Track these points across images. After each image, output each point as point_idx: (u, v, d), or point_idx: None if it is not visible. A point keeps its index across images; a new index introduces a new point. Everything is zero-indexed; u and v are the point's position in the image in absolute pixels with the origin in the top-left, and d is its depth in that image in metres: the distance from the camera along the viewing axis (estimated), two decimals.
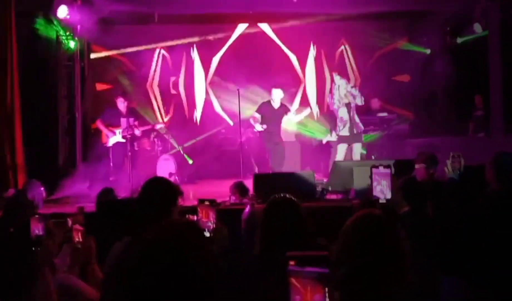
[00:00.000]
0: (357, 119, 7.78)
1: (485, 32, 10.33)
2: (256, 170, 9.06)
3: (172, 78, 11.38)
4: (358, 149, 7.72)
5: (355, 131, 7.70)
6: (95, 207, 5.67)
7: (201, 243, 1.40)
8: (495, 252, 2.62)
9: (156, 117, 10.91)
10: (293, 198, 2.53)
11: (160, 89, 11.39)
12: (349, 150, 7.77)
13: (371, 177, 2.47)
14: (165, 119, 9.96)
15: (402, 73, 11.87)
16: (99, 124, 8.35)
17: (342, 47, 11.96)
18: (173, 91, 11.37)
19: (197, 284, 1.31)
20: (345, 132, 7.66)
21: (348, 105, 7.64)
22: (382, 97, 10.57)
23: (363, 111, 10.84)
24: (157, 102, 11.37)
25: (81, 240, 2.96)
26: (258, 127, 8.06)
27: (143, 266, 1.32)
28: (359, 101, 7.68)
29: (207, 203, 2.32)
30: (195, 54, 11.38)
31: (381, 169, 2.44)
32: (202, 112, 11.42)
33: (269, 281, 1.90)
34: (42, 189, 5.72)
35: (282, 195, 2.51)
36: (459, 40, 11.03)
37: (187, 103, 11.45)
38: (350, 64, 11.98)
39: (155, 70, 11.38)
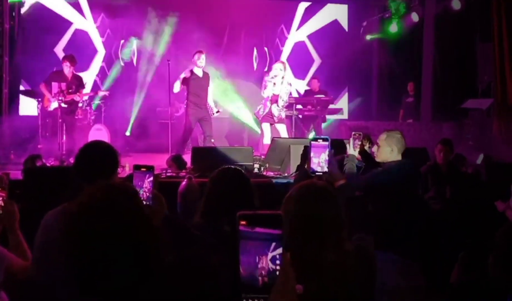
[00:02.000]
0: (282, 109, 7.58)
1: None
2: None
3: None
4: (282, 130, 7.62)
5: (276, 115, 7.51)
6: (21, 174, 5.38)
7: (140, 205, 1.35)
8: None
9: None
10: (242, 170, 2.52)
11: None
12: (275, 130, 7.65)
13: (309, 150, 2.50)
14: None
15: (338, 56, 12.07)
16: (42, 87, 7.93)
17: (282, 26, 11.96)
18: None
19: (139, 249, 1.27)
20: (264, 114, 7.52)
21: (274, 97, 7.39)
22: (319, 79, 10.73)
23: (304, 92, 11.03)
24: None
25: (2, 204, 2.77)
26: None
27: (82, 232, 1.26)
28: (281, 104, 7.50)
29: (143, 169, 2.21)
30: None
31: (320, 141, 2.48)
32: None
33: (209, 248, 1.88)
34: None
35: (231, 166, 2.50)
36: (396, 28, 11.36)
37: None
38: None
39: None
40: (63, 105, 7.67)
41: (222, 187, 2.37)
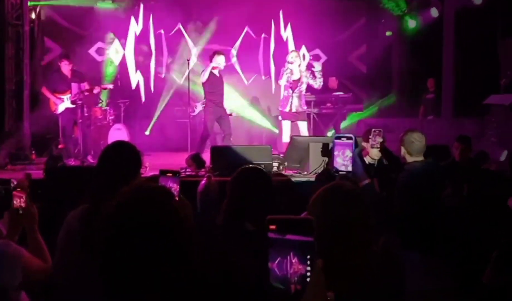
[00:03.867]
0: (302, 97, 7.59)
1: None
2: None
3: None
4: (303, 127, 7.58)
5: (297, 110, 7.52)
6: (43, 174, 5.44)
7: (175, 206, 1.34)
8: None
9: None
10: (264, 169, 2.49)
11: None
12: (296, 127, 7.62)
13: (333, 148, 2.43)
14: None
15: (359, 54, 11.97)
16: (45, 91, 7.80)
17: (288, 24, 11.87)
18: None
19: (173, 249, 1.27)
20: (287, 108, 7.51)
21: (295, 82, 7.44)
22: (339, 77, 10.66)
23: (321, 90, 10.95)
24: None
25: (23, 205, 2.79)
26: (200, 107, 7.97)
27: (116, 231, 1.26)
28: (314, 82, 7.47)
29: (169, 174, 2.20)
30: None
31: (344, 140, 2.40)
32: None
33: (234, 250, 1.86)
34: None
35: (253, 165, 2.46)
36: (415, 23, 11.22)
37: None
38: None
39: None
40: (73, 105, 7.65)
41: (244, 187, 2.34)
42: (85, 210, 2.28)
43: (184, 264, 1.29)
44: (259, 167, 2.50)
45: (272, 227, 1.14)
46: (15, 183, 3.15)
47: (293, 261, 1.13)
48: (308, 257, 1.14)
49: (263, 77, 11.53)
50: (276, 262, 1.14)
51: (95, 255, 1.27)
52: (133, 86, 10.88)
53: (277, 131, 9.99)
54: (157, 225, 1.27)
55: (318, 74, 7.38)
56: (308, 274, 1.14)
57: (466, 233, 3.19)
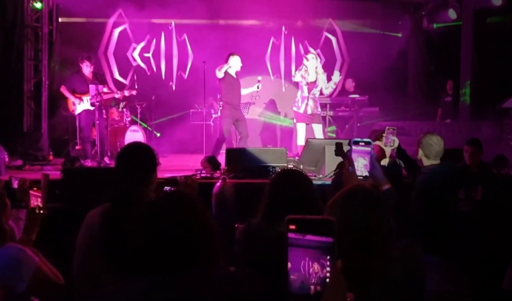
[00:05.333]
0: (317, 100, 7.58)
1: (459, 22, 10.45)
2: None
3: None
4: (318, 130, 7.56)
5: (312, 112, 7.50)
6: (60, 174, 5.50)
7: (203, 211, 1.43)
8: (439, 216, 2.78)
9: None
10: (303, 172, 2.49)
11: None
12: (310, 130, 7.61)
13: (350, 153, 2.39)
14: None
15: (375, 56, 11.89)
16: (64, 91, 7.87)
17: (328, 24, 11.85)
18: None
19: (200, 252, 1.37)
20: (301, 110, 7.48)
21: (311, 84, 7.43)
22: (355, 79, 10.61)
23: (338, 92, 10.91)
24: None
25: (40, 205, 2.83)
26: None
27: (148, 233, 1.38)
28: (325, 88, 7.45)
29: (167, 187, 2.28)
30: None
31: (361, 144, 2.35)
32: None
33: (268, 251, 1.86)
34: (5, 154, 5.53)
35: (293, 168, 2.47)
36: (435, 25, 11.12)
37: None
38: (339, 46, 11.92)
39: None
40: (92, 107, 7.72)
41: (283, 189, 2.33)
42: (106, 209, 2.31)
43: (209, 265, 1.34)
44: (298, 169, 2.49)
45: (292, 226, 1.14)
46: (16, 183, 3.19)
47: (313, 261, 1.13)
48: (328, 257, 1.13)
49: (272, 78, 11.52)
50: (296, 262, 1.14)
51: (115, 255, 1.34)
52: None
53: (290, 126, 9.96)
54: (183, 227, 1.38)
55: (332, 84, 7.41)
56: (328, 275, 1.14)
57: (480, 238, 3.16)
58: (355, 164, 2.34)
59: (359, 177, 2.32)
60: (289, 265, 1.14)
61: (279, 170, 2.47)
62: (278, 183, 2.38)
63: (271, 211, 2.27)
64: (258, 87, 7.76)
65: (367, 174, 2.31)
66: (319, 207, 2.20)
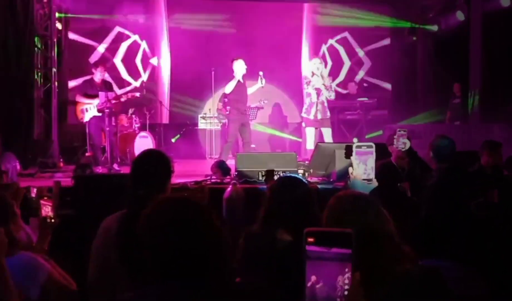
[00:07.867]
0: (325, 104, 7.55)
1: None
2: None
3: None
4: (327, 134, 7.53)
5: (322, 116, 7.47)
6: (71, 181, 5.52)
7: (216, 219, 1.45)
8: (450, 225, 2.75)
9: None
10: (302, 178, 2.48)
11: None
12: (319, 134, 7.58)
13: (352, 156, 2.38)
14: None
15: (384, 59, 11.88)
16: (79, 98, 7.90)
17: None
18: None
19: (212, 259, 1.39)
20: (311, 116, 7.47)
21: (318, 89, 7.42)
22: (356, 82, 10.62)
23: (343, 95, 10.90)
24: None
25: (52, 214, 2.85)
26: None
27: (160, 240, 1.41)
28: (328, 94, 7.45)
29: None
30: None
31: (364, 148, 2.38)
32: None
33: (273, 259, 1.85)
34: (16, 162, 5.56)
35: (292, 174, 2.46)
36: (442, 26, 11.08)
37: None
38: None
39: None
40: (99, 113, 7.74)
41: (282, 195, 2.33)
42: (123, 215, 2.32)
43: (219, 272, 1.35)
44: (297, 175, 2.49)
45: (311, 239, 1.14)
46: (35, 190, 3.22)
47: (337, 274, 1.13)
48: (347, 269, 1.13)
49: None
50: (314, 274, 1.13)
51: (132, 260, 1.36)
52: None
53: (299, 139, 9.97)
54: (192, 235, 1.40)
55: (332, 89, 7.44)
56: (347, 287, 1.14)
57: (498, 241, 3.12)
58: (363, 167, 2.33)
59: (364, 181, 2.30)
60: (314, 278, 1.13)
61: (278, 177, 2.46)
62: (276, 190, 2.39)
63: (270, 218, 2.27)
64: (262, 83, 7.67)
65: (373, 176, 2.30)
66: (316, 214, 2.20)
